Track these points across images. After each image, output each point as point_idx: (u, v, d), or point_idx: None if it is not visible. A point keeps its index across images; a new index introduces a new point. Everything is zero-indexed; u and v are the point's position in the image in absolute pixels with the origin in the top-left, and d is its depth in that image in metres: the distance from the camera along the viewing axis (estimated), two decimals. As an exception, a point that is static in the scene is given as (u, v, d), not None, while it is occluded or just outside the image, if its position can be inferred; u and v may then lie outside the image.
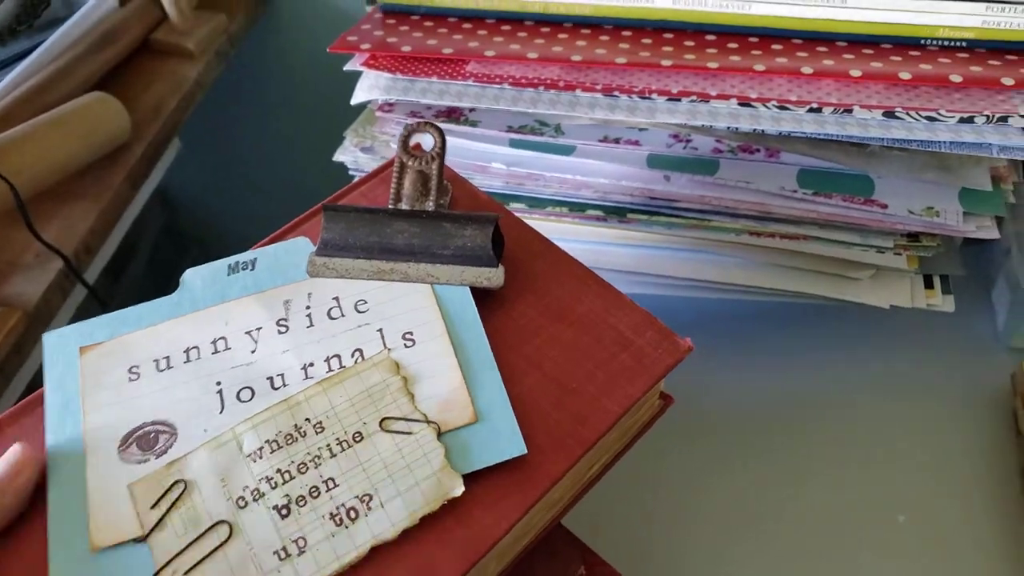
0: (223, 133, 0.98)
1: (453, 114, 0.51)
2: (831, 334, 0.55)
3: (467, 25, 0.50)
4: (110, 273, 1.04)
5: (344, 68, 0.48)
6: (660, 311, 0.56)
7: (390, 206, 0.35)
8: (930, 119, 0.42)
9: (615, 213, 0.50)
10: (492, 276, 0.34)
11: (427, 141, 0.36)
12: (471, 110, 0.51)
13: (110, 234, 0.66)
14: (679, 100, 0.44)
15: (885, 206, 0.45)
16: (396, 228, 0.34)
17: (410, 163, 0.35)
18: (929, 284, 0.50)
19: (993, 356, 0.53)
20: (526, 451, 0.30)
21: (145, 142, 0.69)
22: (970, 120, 0.41)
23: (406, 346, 0.32)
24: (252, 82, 0.91)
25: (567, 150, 0.49)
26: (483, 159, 0.50)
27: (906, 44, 0.45)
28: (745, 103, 0.43)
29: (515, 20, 0.50)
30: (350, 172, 0.53)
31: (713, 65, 0.44)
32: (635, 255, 0.51)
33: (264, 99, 0.93)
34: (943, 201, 0.45)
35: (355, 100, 0.48)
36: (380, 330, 0.33)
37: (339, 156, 0.52)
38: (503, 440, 0.30)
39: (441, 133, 0.36)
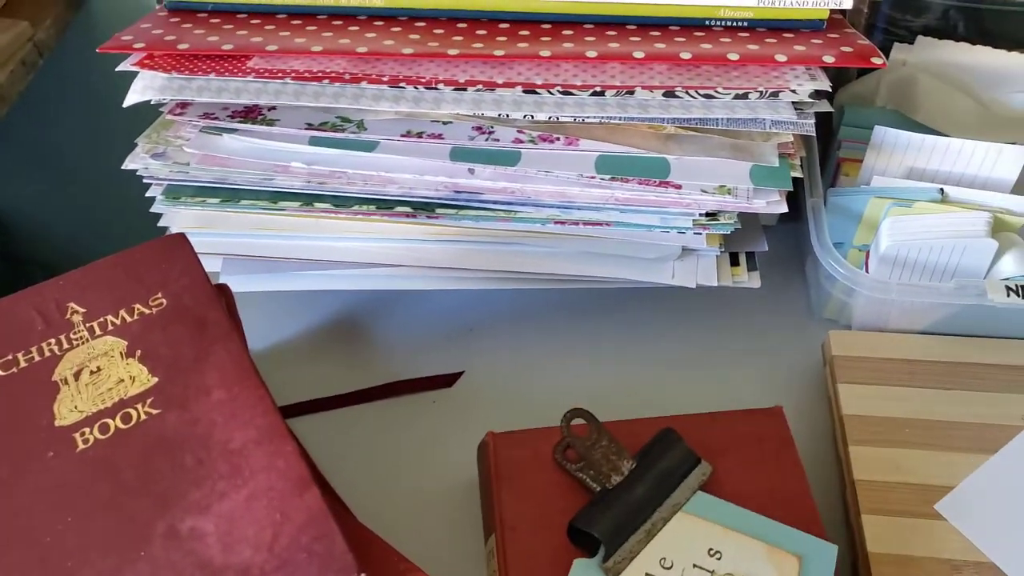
0: (45, 147, 0.92)
1: (250, 114, 0.49)
2: (647, 317, 0.55)
3: (256, 21, 0.48)
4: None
5: (117, 69, 0.45)
6: (473, 306, 0.56)
7: (608, 485, 0.41)
8: (708, 97, 0.42)
9: (424, 209, 0.49)
10: (705, 470, 0.41)
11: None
12: (270, 109, 0.49)
13: None
14: (465, 89, 0.43)
15: (679, 187, 0.45)
16: (634, 495, 0.40)
17: (590, 445, 0.42)
18: (735, 262, 0.51)
19: (807, 328, 0.55)
20: None
21: (-64, 160, 0.64)
22: (744, 96, 0.42)
23: (718, 559, 0.38)
24: (69, 91, 0.86)
25: (370, 146, 0.48)
26: (282, 159, 0.48)
27: (692, 25, 0.46)
28: (530, 90, 0.43)
29: (306, 14, 0.48)
30: (144, 180, 0.50)
31: (500, 53, 0.44)
32: (446, 250, 0.50)
33: (84, 109, 0.88)
34: (735, 179, 0.45)
35: (127, 102, 0.45)
36: (695, 565, 0.38)
37: (129, 163, 0.49)
38: None
39: (591, 414, 0.43)
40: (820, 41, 0.44)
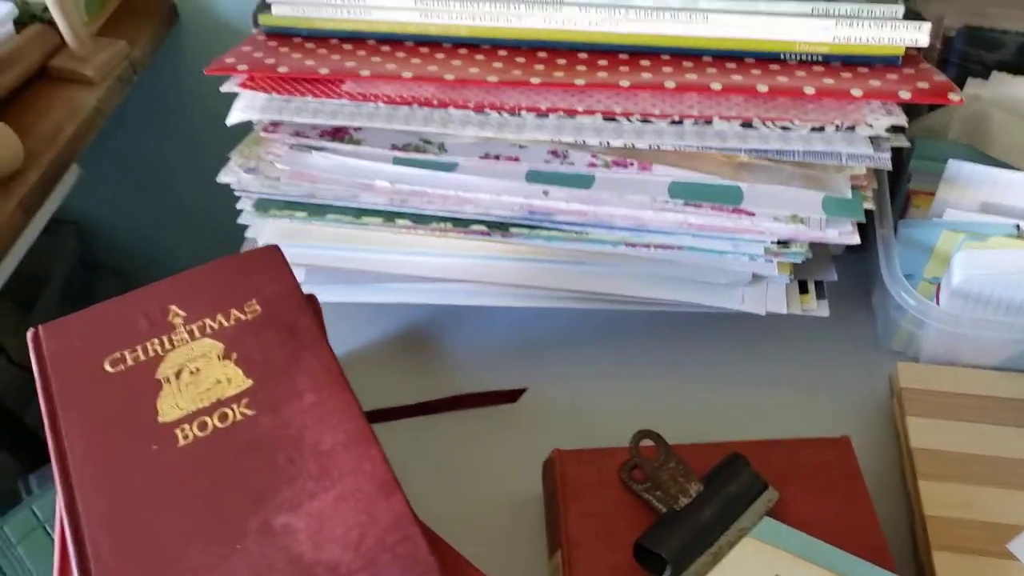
0: (130, 158, 0.97)
1: (338, 133, 0.51)
2: (714, 341, 0.56)
3: (347, 46, 0.51)
4: (21, 306, 1.01)
5: (221, 89, 0.48)
6: (543, 323, 0.57)
7: (676, 507, 0.41)
8: (784, 129, 0.43)
9: (498, 228, 0.51)
10: (772, 497, 0.42)
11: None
12: (356, 129, 0.51)
13: (1, 263, 0.65)
14: (547, 116, 0.45)
15: (752, 214, 0.46)
16: (701, 518, 0.41)
17: (658, 467, 0.43)
18: (804, 290, 0.51)
19: (873, 358, 0.55)
20: None
21: (40, 169, 0.68)
22: (821, 129, 0.43)
23: None
24: (158, 106, 0.90)
25: (450, 167, 0.50)
26: (367, 176, 0.50)
27: (767, 58, 0.47)
28: (610, 118, 0.45)
29: (394, 41, 0.51)
30: (235, 192, 0.53)
31: (580, 82, 0.45)
32: (519, 268, 0.52)
33: (170, 123, 0.92)
34: (807, 209, 0.46)
35: (231, 120, 0.48)
36: None
37: (223, 177, 0.52)
38: None
39: (660, 436, 0.43)
40: (896, 76, 0.45)
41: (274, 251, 0.45)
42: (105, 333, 0.42)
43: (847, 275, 0.57)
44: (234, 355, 0.41)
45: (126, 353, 0.41)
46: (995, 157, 0.54)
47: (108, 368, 0.41)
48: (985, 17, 0.56)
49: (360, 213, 0.51)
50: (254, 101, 0.48)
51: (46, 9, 0.73)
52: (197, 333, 0.42)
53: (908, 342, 0.54)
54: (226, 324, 0.43)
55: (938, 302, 0.51)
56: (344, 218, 0.51)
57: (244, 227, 0.55)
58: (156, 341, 0.42)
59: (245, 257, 0.45)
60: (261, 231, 0.54)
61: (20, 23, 0.76)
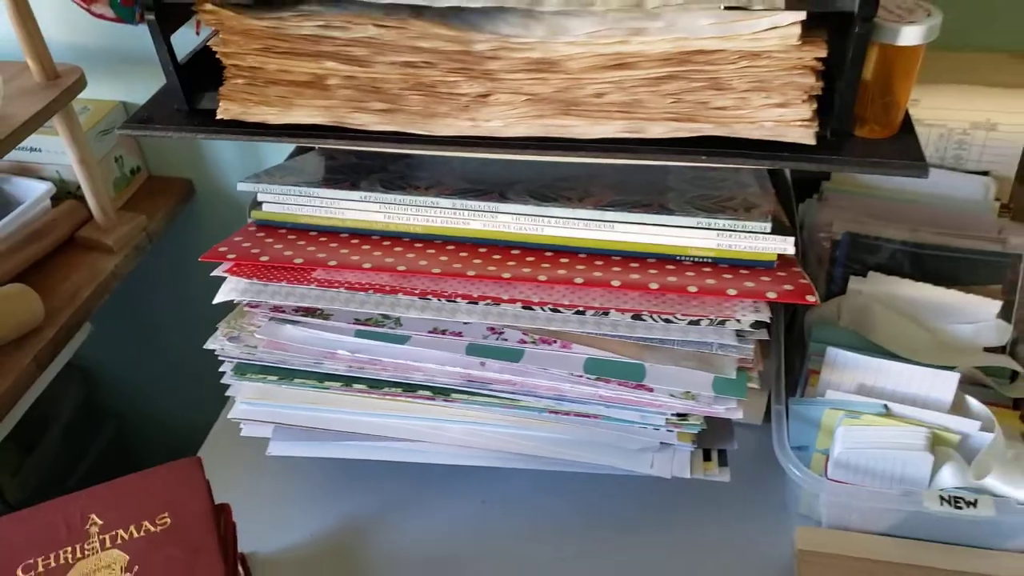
0: (136, 314, 1.07)
1: (311, 309, 0.60)
2: (640, 503, 0.62)
3: (323, 238, 0.61)
4: (21, 448, 1.08)
5: (211, 274, 0.58)
6: (482, 480, 0.63)
7: None
8: (667, 321, 0.52)
9: (441, 393, 0.59)
10: None
11: None
12: (325, 306, 0.60)
13: (8, 413, 0.72)
14: (477, 303, 0.55)
15: (652, 390, 0.54)
16: None
17: None
18: (708, 457, 0.58)
19: (783, 522, 0.61)
20: None
21: (56, 327, 0.77)
22: (697, 323, 0.52)
23: None
24: (166, 270, 1.01)
25: (403, 339, 0.58)
26: (332, 347, 0.59)
27: (666, 259, 0.57)
28: (528, 306, 0.54)
29: (363, 235, 0.61)
30: (218, 357, 0.61)
31: (507, 275, 0.55)
32: (459, 430, 0.59)
33: (176, 285, 1.03)
34: (699, 387, 0.54)
35: (218, 299, 0.58)
36: None
37: (209, 344, 0.60)
38: None
39: None
40: (768, 278, 0.54)
41: (195, 464, 0.53)
42: (27, 537, 0.48)
43: (764, 442, 0.64)
44: (136, 567, 0.47)
45: (39, 560, 0.47)
46: (877, 343, 0.62)
47: (20, 574, 0.46)
48: (864, 225, 0.66)
49: (323, 378, 0.60)
50: (238, 285, 0.58)
51: (80, 187, 0.85)
52: (108, 543, 0.48)
53: (811, 507, 0.60)
54: (136, 535, 0.48)
55: (826, 472, 0.57)
56: (308, 382, 0.60)
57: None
58: (69, 550, 0.48)
59: (168, 469, 0.53)
60: (240, 390, 0.62)
61: (56, 198, 0.88)
